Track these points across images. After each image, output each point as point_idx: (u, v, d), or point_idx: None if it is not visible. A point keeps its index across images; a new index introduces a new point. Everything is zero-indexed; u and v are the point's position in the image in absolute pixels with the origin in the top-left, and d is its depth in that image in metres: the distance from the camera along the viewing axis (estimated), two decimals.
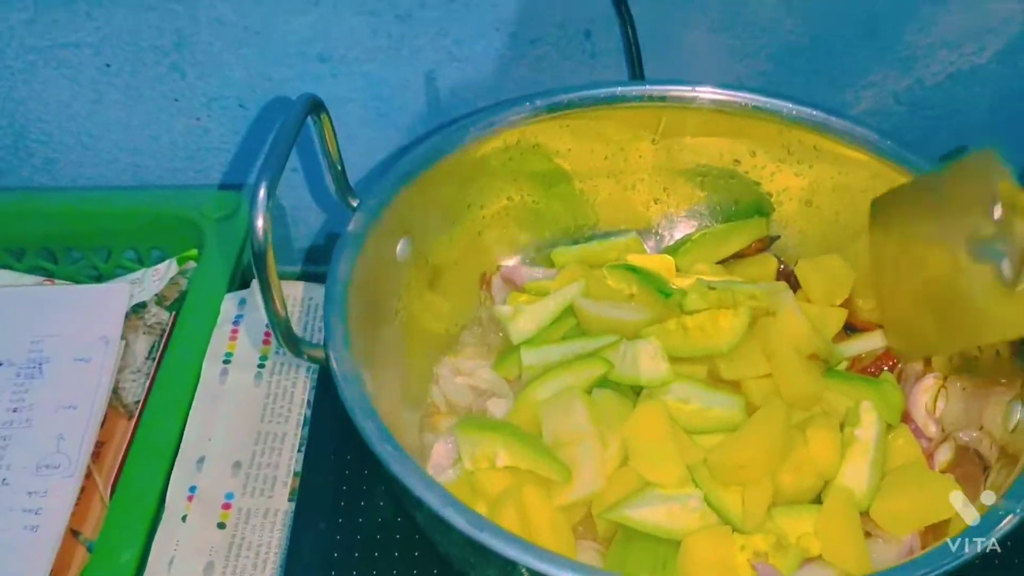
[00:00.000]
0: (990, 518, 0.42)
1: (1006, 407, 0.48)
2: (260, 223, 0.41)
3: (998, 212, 0.43)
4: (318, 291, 0.65)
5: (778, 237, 0.63)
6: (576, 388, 0.51)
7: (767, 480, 0.49)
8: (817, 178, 0.60)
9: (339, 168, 0.51)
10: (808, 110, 0.57)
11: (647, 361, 0.52)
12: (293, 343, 0.45)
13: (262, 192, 0.41)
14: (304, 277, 0.70)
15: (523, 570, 0.38)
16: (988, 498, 0.44)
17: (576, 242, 0.64)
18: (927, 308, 0.50)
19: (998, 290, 0.44)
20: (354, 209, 0.51)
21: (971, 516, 0.44)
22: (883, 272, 0.54)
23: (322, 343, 0.46)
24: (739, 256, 0.63)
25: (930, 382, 0.54)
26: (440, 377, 0.57)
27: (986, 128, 0.67)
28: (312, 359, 0.45)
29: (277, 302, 0.42)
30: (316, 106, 0.47)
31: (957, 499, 0.47)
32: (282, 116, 0.65)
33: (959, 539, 0.41)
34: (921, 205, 0.51)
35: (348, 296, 0.46)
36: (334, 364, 0.43)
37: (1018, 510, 0.41)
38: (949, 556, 0.40)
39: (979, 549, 0.40)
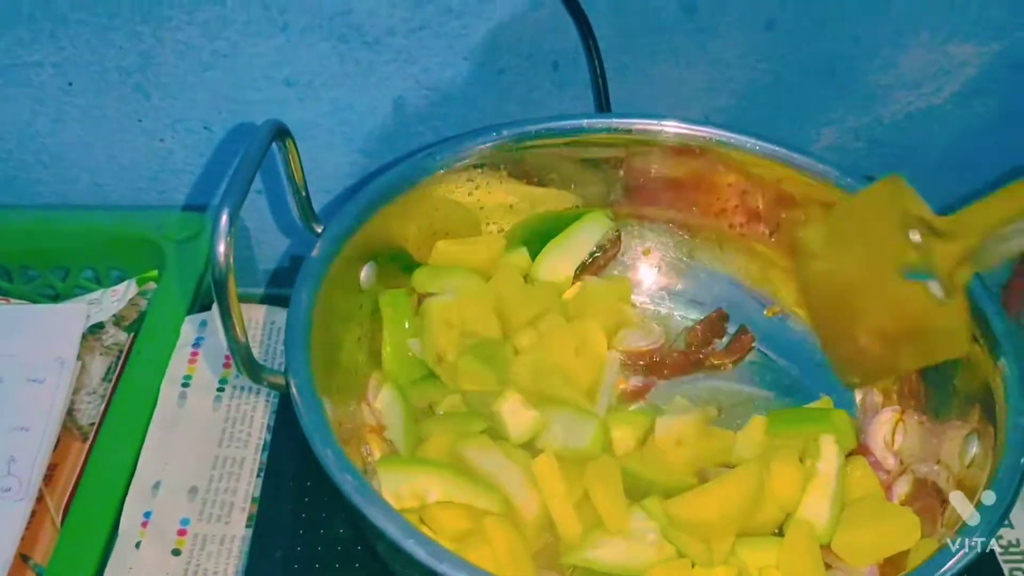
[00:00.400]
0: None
1: (963, 441, 0.49)
2: (222, 249, 0.40)
3: (916, 237, 0.44)
4: (280, 314, 0.65)
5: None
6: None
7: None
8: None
9: (303, 194, 0.51)
10: (772, 146, 0.58)
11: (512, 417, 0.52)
12: (253, 370, 0.44)
13: (224, 218, 0.41)
14: (267, 300, 0.70)
15: None
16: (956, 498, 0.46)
17: None
18: (871, 334, 0.50)
19: (935, 307, 0.44)
20: (318, 235, 0.51)
21: (973, 517, 0.45)
22: (819, 305, 0.54)
23: (283, 369, 0.45)
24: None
25: (888, 415, 0.55)
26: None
27: (942, 165, 0.68)
28: (272, 386, 0.45)
29: (237, 328, 0.42)
30: (281, 132, 0.47)
31: (957, 499, 0.48)
32: (247, 140, 0.66)
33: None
34: (843, 235, 0.51)
35: (310, 322, 0.46)
36: (294, 391, 0.43)
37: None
38: None
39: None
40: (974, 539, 0.43)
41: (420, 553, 0.37)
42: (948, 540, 0.42)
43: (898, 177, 0.47)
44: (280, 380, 0.44)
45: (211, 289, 0.66)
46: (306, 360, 0.44)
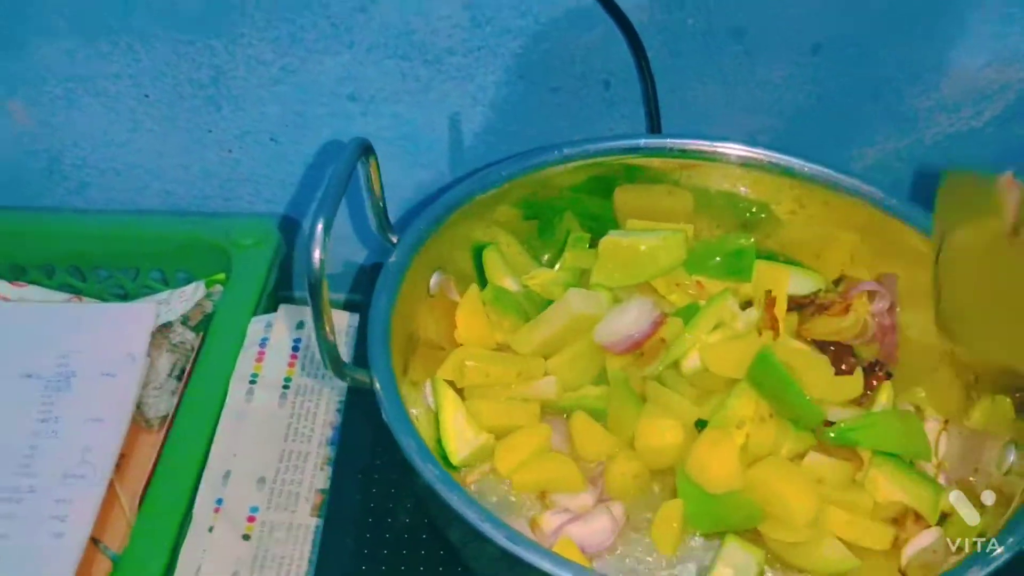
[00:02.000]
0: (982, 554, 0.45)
1: (1000, 450, 0.51)
2: (317, 255, 0.43)
3: None
4: (342, 319, 0.68)
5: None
6: None
7: None
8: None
9: (381, 206, 0.54)
10: (819, 167, 0.60)
11: None
12: (339, 367, 0.47)
13: (319, 228, 0.44)
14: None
15: None
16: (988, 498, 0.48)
17: None
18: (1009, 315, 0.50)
19: None
20: (394, 244, 0.54)
21: (973, 518, 0.47)
22: (953, 279, 0.53)
23: (359, 367, 0.48)
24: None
25: (933, 425, 0.57)
26: None
27: None
28: (355, 382, 0.48)
29: (327, 329, 0.45)
30: (366, 149, 0.50)
31: (958, 499, 0.51)
32: (314, 149, 0.69)
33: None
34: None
35: (389, 324, 0.49)
36: (378, 386, 0.46)
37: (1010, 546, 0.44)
38: None
39: None
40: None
41: (498, 537, 0.40)
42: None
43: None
44: (363, 377, 0.47)
45: (274, 291, 0.71)
46: (387, 357, 0.47)
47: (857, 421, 0.55)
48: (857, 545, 0.52)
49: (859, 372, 0.58)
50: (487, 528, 0.41)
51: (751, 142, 0.62)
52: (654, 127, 0.65)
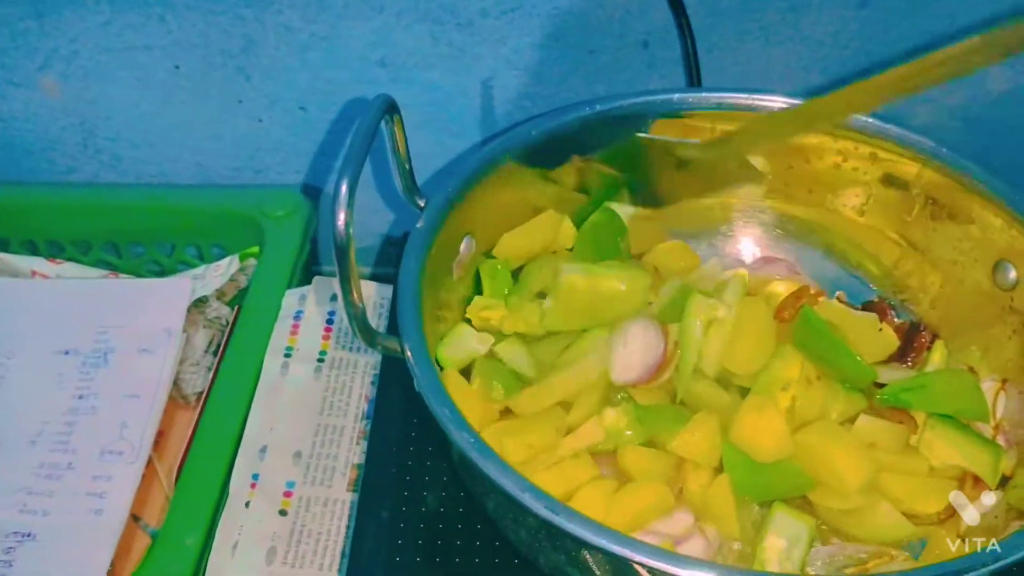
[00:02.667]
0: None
1: None
2: (342, 218, 0.42)
3: None
4: (376, 291, 0.67)
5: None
6: None
7: None
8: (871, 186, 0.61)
9: (408, 167, 0.53)
10: (865, 117, 0.58)
11: None
12: (368, 334, 0.46)
13: (344, 189, 0.42)
14: (363, 277, 0.72)
15: (587, 555, 0.40)
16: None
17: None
18: None
19: None
20: (421, 209, 0.53)
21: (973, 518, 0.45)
22: None
23: (391, 335, 0.47)
24: None
25: (989, 385, 0.55)
26: None
27: None
28: (386, 350, 0.47)
29: (355, 294, 0.44)
30: (391, 107, 0.49)
31: (958, 498, 0.49)
32: (344, 118, 0.68)
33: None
34: None
35: (420, 289, 0.48)
36: (409, 354, 0.45)
37: None
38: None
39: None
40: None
41: (538, 506, 0.39)
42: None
43: None
44: (394, 344, 0.46)
45: (308, 263, 0.70)
46: (418, 324, 0.46)
47: (910, 382, 0.53)
48: (913, 512, 0.50)
49: (888, 328, 0.56)
50: (527, 498, 0.39)
51: (795, 94, 0.59)
52: (695, 87, 0.63)
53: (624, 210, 0.62)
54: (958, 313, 0.58)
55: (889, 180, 0.60)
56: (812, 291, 0.59)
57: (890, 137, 0.57)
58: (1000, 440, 0.54)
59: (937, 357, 0.56)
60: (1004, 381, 0.55)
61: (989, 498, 0.51)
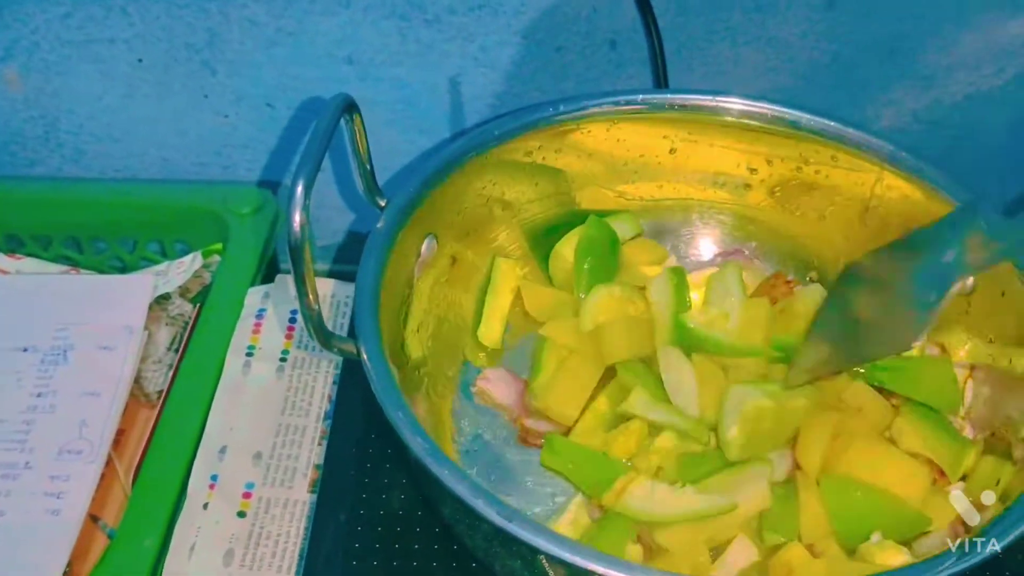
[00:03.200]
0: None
1: None
2: (297, 219, 0.42)
3: (949, 255, 0.48)
4: (340, 289, 0.67)
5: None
6: None
7: None
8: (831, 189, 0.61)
9: (368, 168, 0.52)
10: (825, 120, 0.58)
11: None
12: (324, 336, 0.46)
13: (299, 189, 0.42)
14: (322, 275, 0.71)
15: (543, 560, 0.39)
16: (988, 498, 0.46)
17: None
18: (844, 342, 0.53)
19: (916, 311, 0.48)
20: (382, 209, 0.53)
21: (972, 517, 0.46)
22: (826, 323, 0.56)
23: (349, 337, 0.47)
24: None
25: (958, 372, 0.55)
26: None
27: (1002, 147, 0.68)
28: (342, 352, 0.46)
29: (311, 296, 0.43)
30: (350, 106, 0.48)
31: (959, 501, 0.49)
32: (311, 115, 0.68)
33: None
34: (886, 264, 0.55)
35: (378, 291, 0.48)
36: (364, 356, 0.45)
37: None
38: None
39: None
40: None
41: (490, 513, 0.39)
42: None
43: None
44: (350, 346, 0.45)
45: (273, 261, 0.70)
46: (375, 326, 0.46)
47: (889, 363, 0.54)
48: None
49: None
50: (479, 504, 0.39)
51: (757, 97, 0.59)
52: (662, 86, 0.63)
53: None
54: None
55: (849, 183, 0.60)
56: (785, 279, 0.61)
57: (849, 141, 0.57)
58: (968, 431, 0.54)
59: None
60: (972, 367, 0.55)
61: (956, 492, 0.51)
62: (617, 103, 0.59)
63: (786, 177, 0.61)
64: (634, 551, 0.49)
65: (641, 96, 0.59)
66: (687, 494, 0.50)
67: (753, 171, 0.62)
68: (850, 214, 0.61)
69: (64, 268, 0.72)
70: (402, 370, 0.49)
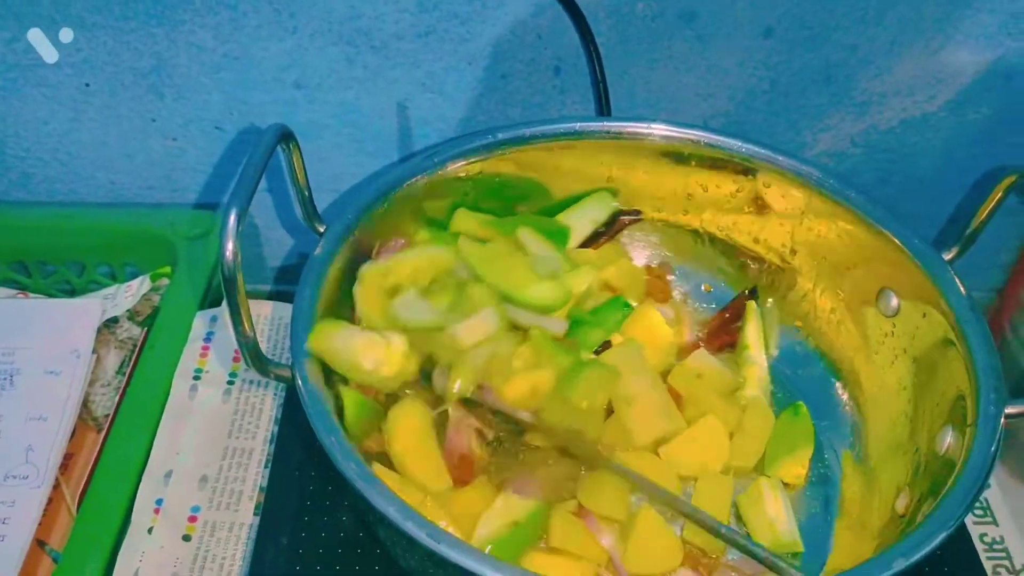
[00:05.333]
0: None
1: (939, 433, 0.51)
2: (230, 248, 0.42)
3: None
4: (287, 310, 0.67)
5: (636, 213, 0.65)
6: None
7: None
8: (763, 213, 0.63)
9: (306, 195, 0.53)
10: (756, 147, 0.60)
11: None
12: (261, 363, 0.46)
13: (232, 218, 0.42)
14: (275, 296, 0.72)
15: None
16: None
17: None
18: None
19: None
20: (321, 234, 0.53)
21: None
22: None
23: (289, 363, 0.47)
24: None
25: None
26: None
27: (936, 171, 0.69)
28: (279, 378, 0.47)
29: (246, 324, 0.44)
30: (286, 136, 0.49)
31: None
32: (253, 143, 0.68)
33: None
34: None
35: (314, 318, 0.48)
36: (299, 383, 0.45)
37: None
38: None
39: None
40: None
41: (420, 534, 0.39)
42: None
43: None
44: (286, 373, 0.46)
45: (221, 285, 0.70)
46: (309, 352, 0.46)
47: None
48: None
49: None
50: (410, 527, 0.40)
51: (689, 124, 0.61)
52: (603, 113, 0.64)
53: None
54: (845, 338, 0.60)
55: (780, 208, 0.61)
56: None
57: (780, 166, 0.59)
58: None
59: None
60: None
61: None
62: (555, 132, 0.60)
63: (720, 201, 0.63)
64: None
65: (578, 124, 0.60)
66: None
67: (689, 197, 0.63)
68: (780, 237, 0.62)
69: (12, 292, 0.71)
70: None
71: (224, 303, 0.65)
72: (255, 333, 0.44)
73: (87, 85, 0.66)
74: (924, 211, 0.70)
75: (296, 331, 0.47)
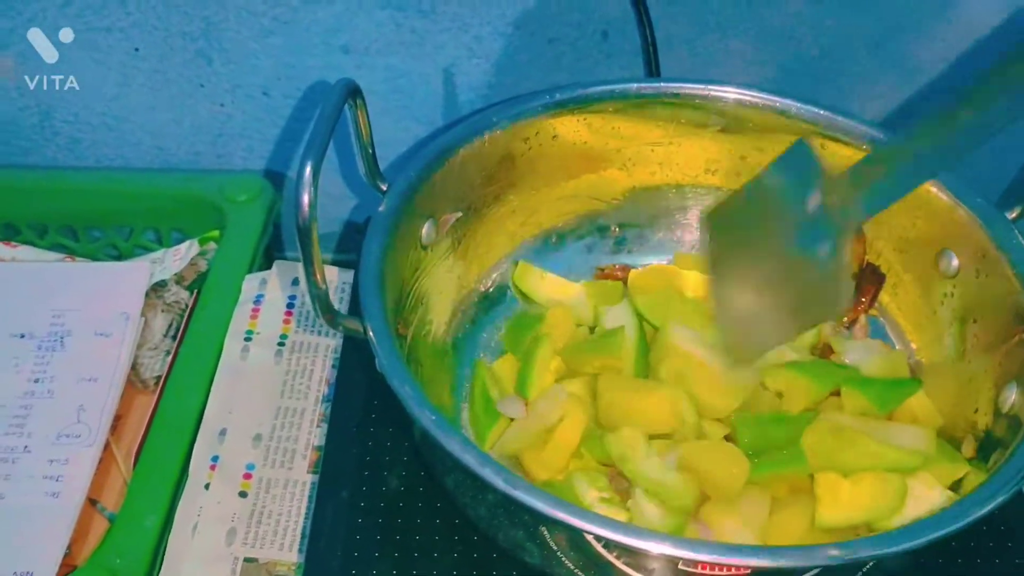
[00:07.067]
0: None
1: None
2: (306, 199, 0.43)
3: (814, 200, 0.43)
4: (338, 276, 0.68)
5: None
6: None
7: None
8: None
9: (370, 152, 0.53)
10: (813, 108, 0.59)
11: None
12: (331, 314, 0.46)
13: (308, 170, 0.43)
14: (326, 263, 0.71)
15: (544, 530, 0.41)
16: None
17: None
18: (763, 305, 0.49)
19: (822, 267, 0.43)
20: (383, 193, 0.53)
21: None
22: (718, 279, 0.52)
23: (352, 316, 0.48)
24: None
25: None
26: None
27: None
28: (347, 330, 0.47)
29: (318, 276, 0.44)
30: (354, 91, 0.49)
31: None
32: (308, 103, 0.68)
33: None
34: (750, 209, 0.50)
35: (382, 272, 0.48)
36: (371, 334, 0.45)
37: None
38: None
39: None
40: None
41: (497, 480, 0.40)
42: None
43: (803, 143, 0.46)
44: (356, 325, 0.46)
45: (269, 248, 0.70)
46: (381, 305, 0.47)
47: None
48: None
49: None
50: (487, 473, 0.40)
51: (748, 85, 0.61)
52: (653, 76, 0.64)
53: None
54: (907, 299, 0.60)
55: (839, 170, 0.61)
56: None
57: (838, 127, 0.59)
58: None
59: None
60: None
61: None
62: (612, 92, 0.60)
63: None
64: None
65: (636, 85, 0.60)
66: None
67: (743, 159, 0.63)
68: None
69: (60, 256, 0.72)
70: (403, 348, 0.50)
71: (274, 266, 0.67)
72: (327, 285, 0.45)
73: (136, 50, 0.67)
74: (980, 176, 0.70)
75: (365, 283, 0.47)
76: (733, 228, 0.50)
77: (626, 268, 0.66)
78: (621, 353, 0.57)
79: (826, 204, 0.42)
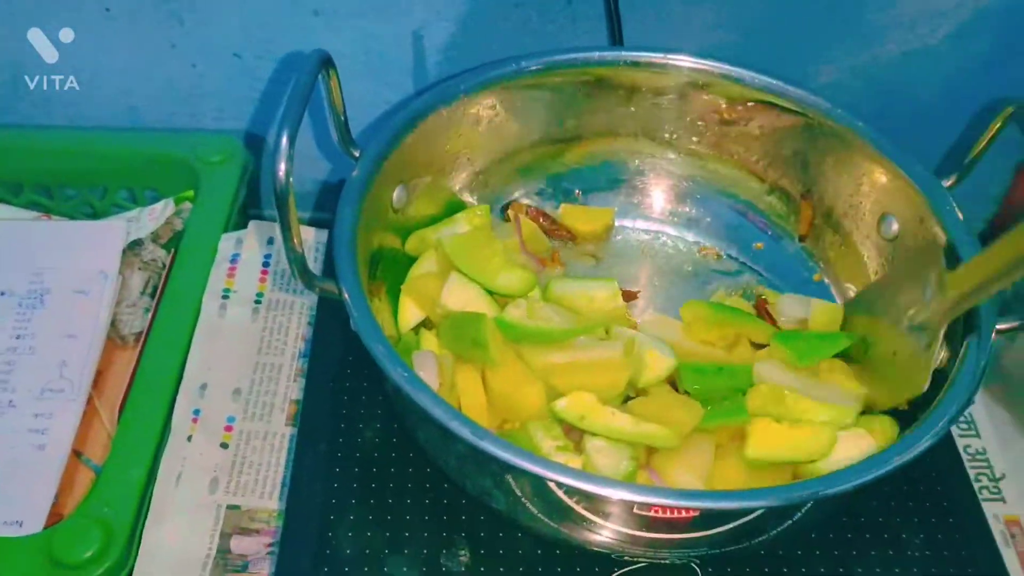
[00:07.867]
0: None
1: None
2: (283, 168, 0.44)
3: (928, 294, 0.51)
4: (312, 236, 0.70)
5: None
6: None
7: None
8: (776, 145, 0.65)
9: (343, 119, 0.55)
10: (767, 78, 0.62)
11: None
12: (308, 277, 0.49)
13: (284, 140, 0.44)
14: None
15: (509, 478, 0.43)
16: None
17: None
18: (884, 372, 0.56)
19: (916, 358, 0.51)
20: (356, 159, 0.55)
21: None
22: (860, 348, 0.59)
23: (327, 278, 0.50)
24: None
25: None
26: None
27: (936, 104, 0.71)
28: (323, 292, 0.49)
29: (295, 240, 0.46)
30: (327, 62, 0.51)
31: None
32: (279, 65, 0.69)
33: None
34: (882, 295, 0.58)
35: (355, 235, 0.51)
36: (346, 295, 0.48)
37: None
38: None
39: None
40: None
41: (464, 432, 0.42)
42: None
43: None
44: (331, 286, 0.49)
45: (244, 208, 0.72)
46: (354, 267, 0.49)
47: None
48: None
49: None
50: (455, 426, 0.43)
51: (704, 55, 0.63)
52: (616, 42, 0.66)
53: None
54: (851, 260, 0.64)
55: (790, 138, 0.64)
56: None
57: (788, 96, 0.62)
58: None
59: None
60: None
61: None
62: (574, 61, 0.62)
63: (728, 131, 0.66)
64: None
65: (598, 53, 0.62)
66: None
67: (702, 124, 0.66)
68: (788, 165, 0.65)
69: (36, 214, 0.73)
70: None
71: (249, 225, 0.69)
72: (303, 250, 0.47)
73: (108, 10, 0.67)
74: (922, 145, 0.72)
75: (340, 247, 0.49)
76: (870, 310, 0.59)
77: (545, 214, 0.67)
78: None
79: (933, 304, 0.50)
